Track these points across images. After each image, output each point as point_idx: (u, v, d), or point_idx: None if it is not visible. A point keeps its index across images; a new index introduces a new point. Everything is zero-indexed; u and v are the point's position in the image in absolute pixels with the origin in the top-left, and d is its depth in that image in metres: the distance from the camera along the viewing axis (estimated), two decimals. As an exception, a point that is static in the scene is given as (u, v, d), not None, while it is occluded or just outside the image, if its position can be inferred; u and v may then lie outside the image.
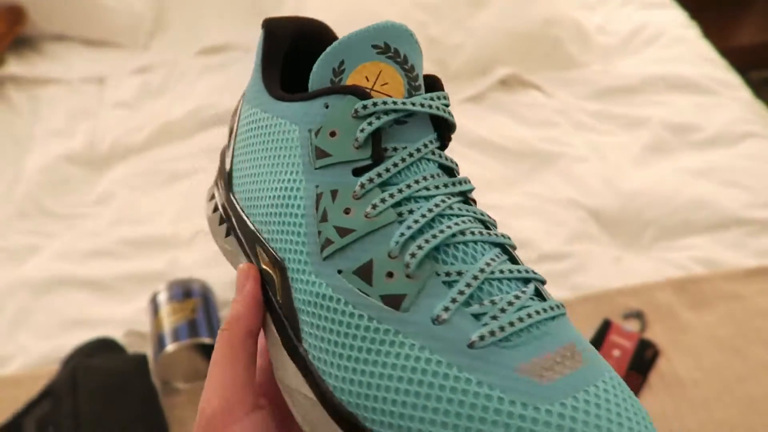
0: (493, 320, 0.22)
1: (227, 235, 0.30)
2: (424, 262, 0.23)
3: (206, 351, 0.68)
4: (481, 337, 0.21)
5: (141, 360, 0.65)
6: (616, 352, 0.68)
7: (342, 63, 0.25)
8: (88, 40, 1.17)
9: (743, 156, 0.90)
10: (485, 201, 0.95)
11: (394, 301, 0.22)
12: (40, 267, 0.82)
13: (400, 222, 0.23)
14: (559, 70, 1.06)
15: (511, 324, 0.22)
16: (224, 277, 0.78)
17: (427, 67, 1.14)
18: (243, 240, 0.28)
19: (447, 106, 0.26)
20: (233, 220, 0.29)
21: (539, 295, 0.24)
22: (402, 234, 0.23)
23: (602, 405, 0.20)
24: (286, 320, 0.24)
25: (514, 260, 0.25)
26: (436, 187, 0.24)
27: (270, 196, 0.26)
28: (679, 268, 0.77)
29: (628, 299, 0.74)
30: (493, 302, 0.22)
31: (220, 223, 0.31)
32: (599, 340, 0.69)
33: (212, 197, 0.33)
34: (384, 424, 0.21)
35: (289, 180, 0.25)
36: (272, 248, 0.25)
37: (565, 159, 0.91)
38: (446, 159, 0.26)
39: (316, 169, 0.25)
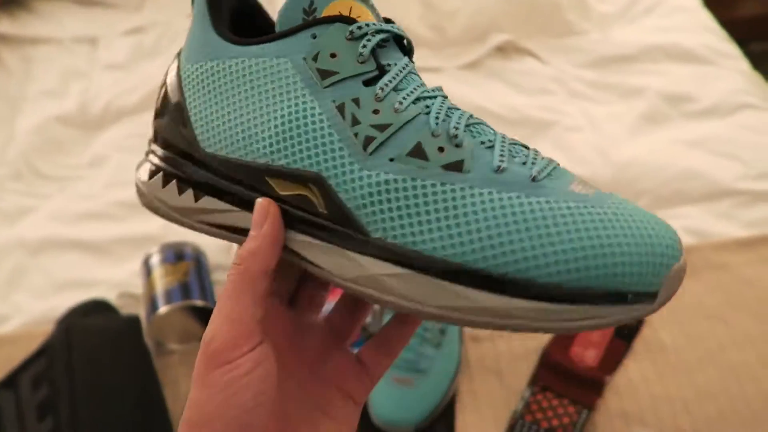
0: (534, 165, 0.27)
1: (181, 192, 0.30)
2: (466, 134, 0.27)
3: (198, 313, 0.69)
4: (538, 173, 0.26)
5: (134, 321, 0.66)
6: (602, 319, 0.69)
7: (312, 3, 0.28)
8: (81, -1, 1.15)
9: (738, 127, 0.90)
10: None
11: (455, 167, 0.26)
12: (35, 228, 0.83)
13: (427, 113, 0.27)
14: (556, 38, 1.05)
15: (545, 167, 0.27)
16: (217, 240, 0.78)
17: (424, 33, 1.13)
18: (228, 184, 0.29)
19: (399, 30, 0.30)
20: (200, 172, 0.29)
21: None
22: (437, 117, 0.27)
23: (630, 205, 0.27)
24: (341, 225, 0.26)
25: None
26: (433, 91, 0.29)
27: (275, 125, 0.27)
28: (668, 237, 0.78)
29: (617, 268, 0.75)
30: (526, 155, 0.27)
31: (166, 184, 0.30)
32: (586, 307, 0.70)
33: (142, 165, 0.33)
34: (487, 258, 0.24)
35: (296, 104, 0.27)
36: (297, 168, 0.27)
37: (559, 127, 0.91)
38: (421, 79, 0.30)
39: (324, 87, 0.27)
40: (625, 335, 0.68)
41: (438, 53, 1.03)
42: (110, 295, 0.74)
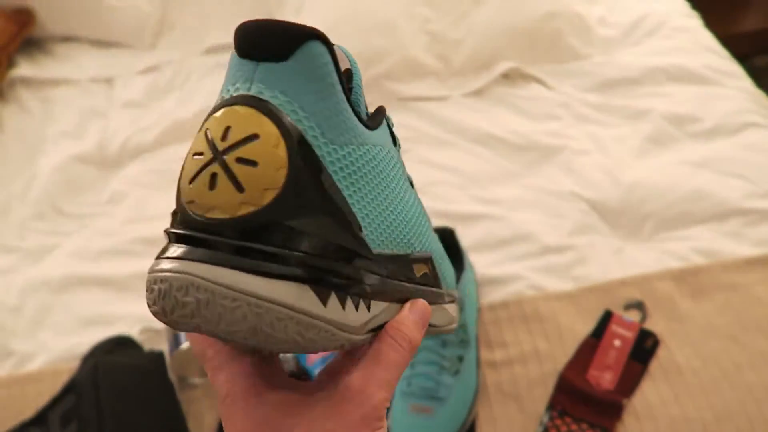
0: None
1: (358, 307, 0.25)
2: None
3: (220, 346, 0.70)
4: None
5: (158, 357, 0.68)
6: (617, 342, 0.70)
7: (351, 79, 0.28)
8: (96, 40, 1.19)
9: (743, 146, 0.91)
10: (488, 195, 0.97)
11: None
12: (57, 266, 0.85)
13: None
14: (560, 63, 1.07)
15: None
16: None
17: (430, 63, 1.15)
18: (389, 281, 0.26)
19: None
20: (372, 277, 0.26)
21: None
22: None
23: None
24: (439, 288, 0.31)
25: None
26: None
27: (411, 214, 0.28)
28: (679, 258, 0.79)
29: (629, 290, 0.76)
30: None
31: (344, 303, 0.25)
32: (600, 330, 0.71)
33: (289, 293, 0.24)
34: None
35: (409, 191, 0.28)
36: (426, 251, 0.29)
37: (566, 152, 0.93)
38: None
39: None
40: (641, 357, 0.69)
41: (444, 82, 1.05)
42: (133, 331, 0.75)
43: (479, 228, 0.84)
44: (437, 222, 0.81)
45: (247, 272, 0.22)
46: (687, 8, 1.19)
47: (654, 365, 0.69)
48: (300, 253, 0.23)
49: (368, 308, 0.25)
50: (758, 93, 1.02)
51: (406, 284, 0.27)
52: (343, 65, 0.26)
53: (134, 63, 1.14)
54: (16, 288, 0.83)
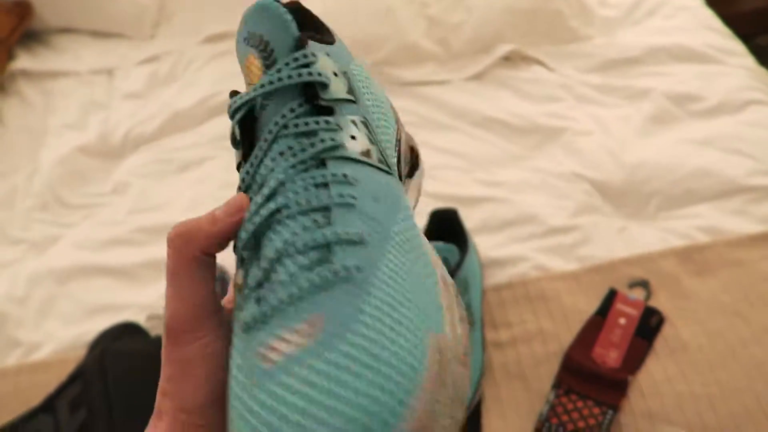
0: (264, 301, 0.22)
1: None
2: (251, 243, 0.24)
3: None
4: (247, 323, 0.22)
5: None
6: (621, 320, 0.70)
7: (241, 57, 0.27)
8: (95, 31, 1.19)
9: (746, 123, 0.91)
10: (491, 177, 0.97)
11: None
12: (62, 256, 0.85)
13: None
14: (561, 44, 1.06)
15: (274, 307, 0.21)
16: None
17: (429, 48, 1.14)
18: None
19: (304, 65, 0.25)
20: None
21: (327, 260, 0.22)
22: (244, 219, 0.24)
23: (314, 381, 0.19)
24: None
25: (328, 222, 0.23)
26: (281, 167, 0.25)
27: None
28: (683, 237, 0.79)
29: (634, 269, 0.76)
30: (272, 282, 0.22)
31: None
32: (605, 309, 0.71)
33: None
34: None
35: None
36: None
37: (568, 133, 0.92)
38: (305, 124, 0.25)
39: None
40: (646, 334, 0.69)
41: (444, 66, 1.05)
42: (139, 318, 0.76)
43: (483, 210, 0.84)
44: (441, 205, 0.81)
45: None
46: (688, -13, 1.18)
47: (659, 343, 0.69)
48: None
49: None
50: (761, 71, 1.01)
51: None
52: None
53: (134, 54, 1.14)
54: (22, 279, 0.83)
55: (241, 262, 0.24)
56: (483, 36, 1.05)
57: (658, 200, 0.83)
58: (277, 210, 0.23)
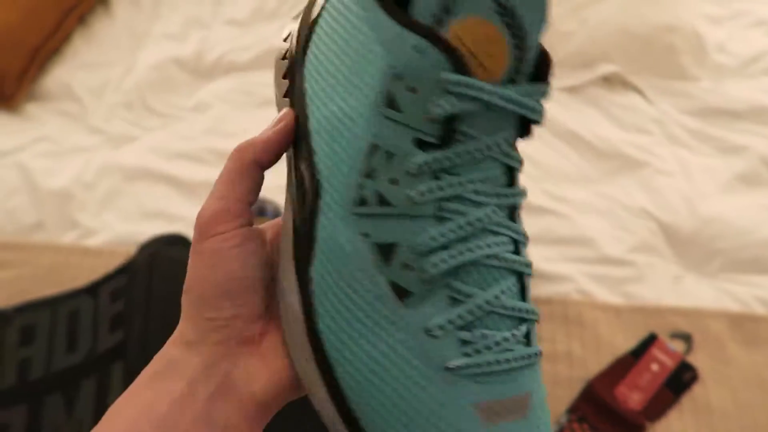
0: (476, 354, 0.22)
1: (285, 95, 0.27)
2: (444, 273, 0.22)
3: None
4: (459, 367, 0.22)
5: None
6: (654, 366, 0.69)
7: (455, 1, 0.21)
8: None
9: (838, 207, 0.86)
10: (559, 192, 0.95)
11: (400, 292, 0.22)
12: (134, 156, 0.89)
13: (439, 219, 0.22)
14: (666, 79, 1.03)
15: (489, 364, 0.22)
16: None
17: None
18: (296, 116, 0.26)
19: (542, 98, 0.23)
20: (294, 88, 0.26)
21: (527, 336, 0.24)
22: (435, 238, 0.22)
23: None
24: (303, 239, 0.24)
25: (524, 289, 0.25)
26: (490, 195, 0.23)
27: (335, 108, 0.24)
28: (739, 302, 0.76)
29: (680, 320, 0.74)
30: (484, 336, 0.23)
31: (284, 77, 0.27)
32: (641, 350, 0.70)
33: (287, 38, 0.28)
34: (352, 378, 0.23)
35: (354, 106, 0.23)
36: (316, 163, 0.24)
37: (649, 169, 0.90)
38: (514, 159, 0.23)
39: (383, 116, 0.22)
40: (676, 387, 0.67)
41: (543, 71, 1.03)
42: (190, 232, 0.78)
43: (543, 222, 0.83)
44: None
45: None
46: (815, 54, 1.12)
47: (686, 399, 0.67)
48: None
49: (284, 73, 0.27)
50: None
51: None
52: None
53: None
54: (94, 167, 0.87)
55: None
56: (589, 51, 1.03)
57: (723, 259, 0.80)
58: (486, 256, 0.23)
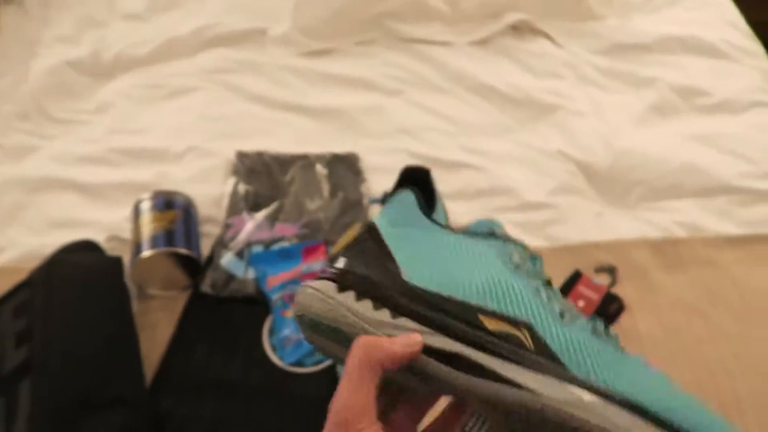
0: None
1: (376, 309, 0.33)
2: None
3: (182, 261, 0.70)
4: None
5: (116, 261, 0.67)
6: (580, 303, 0.69)
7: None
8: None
9: (747, 125, 0.88)
10: (476, 145, 0.95)
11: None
12: (36, 167, 0.85)
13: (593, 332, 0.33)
14: (573, 21, 1.03)
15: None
16: (209, 193, 0.79)
17: (438, 7, 1.11)
18: (424, 309, 0.33)
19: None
20: (402, 299, 0.34)
21: None
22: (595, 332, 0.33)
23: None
24: (549, 359, 0.31)
25: None
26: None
27: (482, 282, 0.33)
28: (660, 229, 0.77)
29: (603, 254, 0.74)
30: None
31: (360, 299, 0.34)
32: (567, 289, 0.70)
33: (320, 281, 0.35)
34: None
35: (499, 273, 0.34)
36: (509, 314, 0.32)
37: (563, 112, 0.90)
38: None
39: (516, 272, 0.35)
40: (604, 319, 0.68)
41: (450, 28, 1.02)
42: (100, 238, 0.75)
43: (461, 176, 0.82)
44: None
45: None
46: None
47: (615, 329, 0.67)
48: (346, 270, 0.35)
49: (392, 316, 0.33)
50: (774, 74, 0.97)
51: (454, 322, 0.32)
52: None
53: (139, -25, 1.12)
54: (-8, 183, 0.82)
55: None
56: (496, 1, 1.02)
57: (641, 190, 0.81)
58: None
